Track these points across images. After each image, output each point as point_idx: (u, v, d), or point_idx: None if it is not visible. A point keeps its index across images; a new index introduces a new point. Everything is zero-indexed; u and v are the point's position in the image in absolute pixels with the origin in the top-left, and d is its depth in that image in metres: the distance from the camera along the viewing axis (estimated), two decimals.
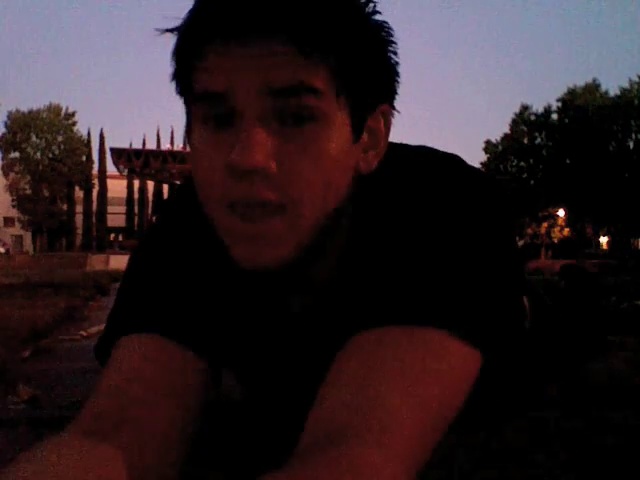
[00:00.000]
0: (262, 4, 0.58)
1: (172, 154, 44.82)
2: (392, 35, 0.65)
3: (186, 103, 0.65)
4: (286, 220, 0.61)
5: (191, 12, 0.62)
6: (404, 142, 0.74)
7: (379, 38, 0.64)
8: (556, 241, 46.45)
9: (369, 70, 0.63)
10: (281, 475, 0.49)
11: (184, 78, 0.64)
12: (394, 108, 0.68)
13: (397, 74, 0.66)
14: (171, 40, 0.64)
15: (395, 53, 0.65)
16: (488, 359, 0.61)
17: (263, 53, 0.58)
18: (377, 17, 0.64)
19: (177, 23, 0.63)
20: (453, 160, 0.71)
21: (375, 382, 0.55)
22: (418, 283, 0.61)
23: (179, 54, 0.64)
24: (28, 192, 50.89)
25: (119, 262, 25.71)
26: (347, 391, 0.56)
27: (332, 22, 0.59)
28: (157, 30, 0.63)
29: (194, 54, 0.61)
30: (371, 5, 0.63)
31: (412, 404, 0.55)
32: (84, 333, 5.64)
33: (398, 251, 0.64)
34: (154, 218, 0.83)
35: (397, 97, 0.68)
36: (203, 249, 0.74)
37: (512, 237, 0.70)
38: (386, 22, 0.64)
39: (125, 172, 50.43)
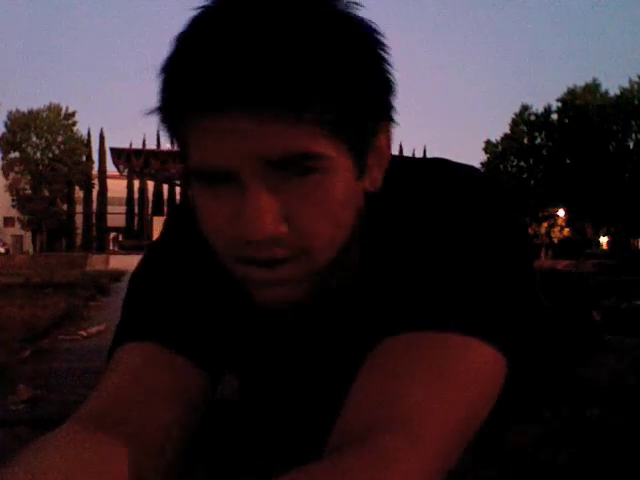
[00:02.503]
0: (244, 74, 0.54)
1: (172, 154, 44.82)
2: (386, 46, 0.60)
3: (181, 160, 0.63)
4: (301, 266, 0.61)
5: (165, 87, 0.58)
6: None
7: (374, 59, 0.59)
8: (556, 241, 46.47)
9: (366, 107, 0.59)
10: (309, 470, 0.50)
11: (175, 141, 0.62)
12: (394, 121, 0.65)
13: (394, 87, 0.62)
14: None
15: (391, 66, 0.61)
16: (513, 365, 0.62)
17: (254, 126, 0.54)
18: (370, 31, 0.59)
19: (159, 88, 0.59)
20: (469, 170, 0.71)
21: (404, 383, 0.56)
22: (442, 290, 0.61)
23: (165, 122, 0.61)
24: (28, 192, 50.91)
25: (119, 262, 25.73)
26: (376, 392, 0.56)
27: (320, 77, 0.55)
28: (145, 112, 0.60)
29: (181, 131, 0.59)
30: (361, 20, 0.59)
31: (441, 403, 0.55)
32: (84, 333, 5.64)
33: (419, 259, 0.63)
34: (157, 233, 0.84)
35: (396, 110, 0.64)
36: (205, 262, 0.74)
37: (529, 245, 0.71)
38: (379, 34, 0.60)
39: (125, 172, 50.50)
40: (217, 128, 0.56)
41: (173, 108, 0.58)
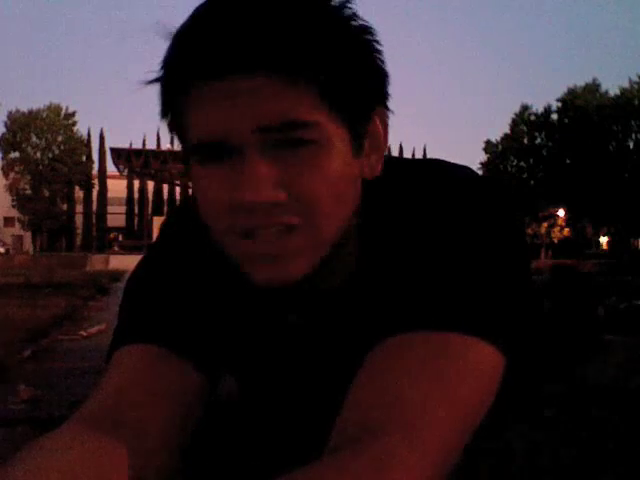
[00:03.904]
0: (238, 41, 0.57)
1: (172, 154, 44.81)
2: (375, 35, 0.63)
3: (180, 140, 0.65)
4: (303, 235, 0.61)
5: (168, 59, 0.61)
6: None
7: (363, 43, 0.62)
8: (556, 241, 46.47)
9: (358, 80, 0.61)
10: (309, 470, 0.51)
11: (175, 123, 0.64)
12: (388, 109, 0.67)
13: (386, 75, 0.64)
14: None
15: (380, 53, 0.63)
16: (510, 363, 0.62)
17: (249, 91, 0.57)
18: (357, 20, 0.61)
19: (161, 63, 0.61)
20: (465, 170, 0.72)
21: (403, 383, 0.56)
22: (439, 290, 0.61)
23: (165, 104, 0.63)
24: (28, 192, 50.92)
25: (119, 262, 25.72)
26: (375, 393, 0.56)
27: (312, 43, 0.58)
28: (142, 82, 0.63)
29: (179, 103, 0.61)
30: (348, 9, 0.61)
31: (440, 403, 0.55)
32: (84, 333, 5.65)
33: (416, 260, 0.64)
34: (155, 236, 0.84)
35: (390, 98, 0.67)
36: (204, 263, 0.75)
37: (525, 244, 0.71)
38: (366, 23, 0.62)
39: (125, 172, 50.49)
40: (217, 95, 0.58)
41: (175, 77, 0.60)
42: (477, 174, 0.72)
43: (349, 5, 0.61)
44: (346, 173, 0.62)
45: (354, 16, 0.61)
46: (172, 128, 0.66)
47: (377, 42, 0.63)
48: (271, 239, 0.61)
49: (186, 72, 0.59)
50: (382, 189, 0.68)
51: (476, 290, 0.61)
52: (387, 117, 0.67)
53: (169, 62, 0.61)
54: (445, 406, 0.56)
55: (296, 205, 0.60)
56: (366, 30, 0.62)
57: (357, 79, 0.61)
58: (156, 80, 0.62)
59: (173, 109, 0.63)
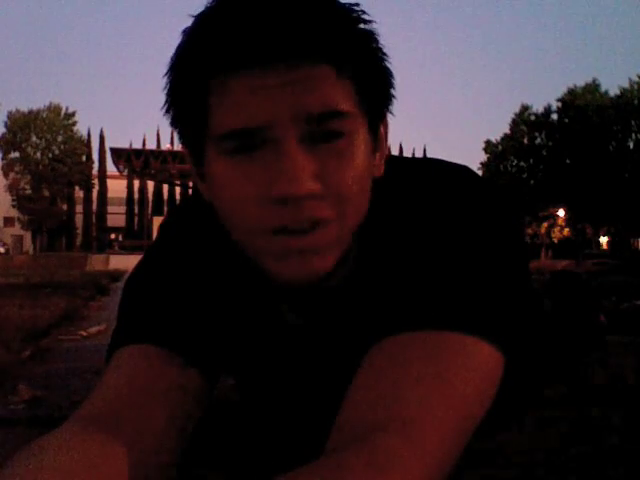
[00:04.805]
0: (282, 29, 0.56)
1: (172, 154, 44.77)
2: (381, 40, 0.64)
3: (193, 135, 0.63)
4: (335, 229, 0.61)
5: (199, 40, 0.59)
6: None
7: (376, 46, 0.63)
8: (556, 241, 46.44)
9: (378, 81, 0.63)
10: (308, 469, 0.51)
11: (194, 117, 0.61)
12: (391, 112, 0.68)
13: (394, 78, 0.66)
14: (167, 59, 0.61)
15: (388, 57, 0.64)
16: (510, 362, 0.62)
17: (298, 80, 0.57)
18: (369, 23, 0.62)
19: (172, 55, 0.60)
20: (463, 170, 0.72)
21: (402, 383, 0.56)
22: (438, 289, 0.61)
23: (184, 92, 0.61)
24: (28, 192, 50.85)
25: (119, 262, 25.70)
26: (374, 392, 0.56)
27: (355, 39, 0.59)
28: (164, 74, 0.62)
29: (209, 91, 0.59)
30: (360, 13, 0.62)
31: (439, 403, 0.55)
32: (84, 333, 5.65)
33: (415, 260, 0.64)
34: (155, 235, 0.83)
35: (394, 101, 0.68)
36: (203, 263, 0.75)
37: (524, 244, 0.71)
38: (374, 28, 0.63)
39: (125, 172, 50.43)
40: (257, 83, 0.56)
41: (207, 63, 0.58)
42: (475, 173, 0.72)
43: (362, 11, 0.62)
44: (368, 168, 0.63)
45: (368, 21, 0.62)
46: (181, 122, 0.64)
47: (384, 47, 0.64)
48: (304, 234, 0.60)
49: (226, 57, 0.57)
50: (381, 188, 0.69)
51: (475, 289, 0.61)
52: (387, 120, 0.69)
53: (203, 45, 0.58)
54: (445, 406, 0.55)
55: (330, 198, 0.60)
56: (375, 34, 0.63)
57: (377, 80, 0.63)
58: (178, 67, 0.60)
59: (197, 98, 0.60)
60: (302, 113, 0.57)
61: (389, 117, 0.69)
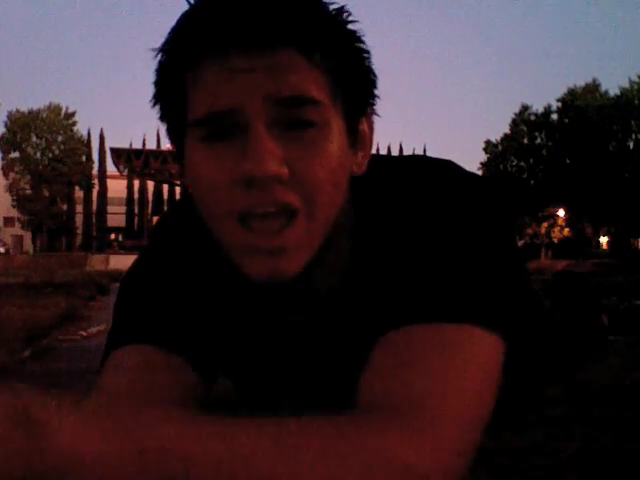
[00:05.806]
0: (259, 15, 0.57)
1: (172, 154, 44.69)
2: (365, 41, 0.65)
3: (175, 126, 0.64)
4: (302, 225, 0.61)
5: (177, 31, 0.61)
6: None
7: (360, 44, 0.64)
8: (556, 241, 46.44)
9: (358, 75, 0.64)
10: (332, 418, 0.52)
11: (174, 108, 0.63)
12: (375, 112, 0.69)
13: (376, 78, 0.66)
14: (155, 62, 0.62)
15: (370, 57, 0.65)
16: (512, 351, 0.63)
17: (269, 65, 0.58)
18: (354, 23, 0.64)
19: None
20: (448, 165, 0.72)
21: (412, 373, 0.56)
22: (436, 283, 0.62)
23: (165, 85, 0.63)
24: (28, 192, 50.89)
25: (119, 262, 25.76)
26: (383, 384, 0.57)
27: (329, 27, 0.61)
28: (152, 50, 0.62)
29: (188, 75, 0.60)
30: (346, 13, 0.63)
31: (452, 391, 0.56)
32: (84, 333, 5.65)
33: (410, 256, 0.64)
34: (150, 237, 0.83)
35: (378, 100, 0.68)
36: (199, 262, 0.75)
37: (514, 235, 0.72)
38: (356, 28, 0.64)
39: (125, 172, 50.44)
40: (233, 69, 0.58)
41: (188, 49, 0.59)
42: (460, 166, 0.73)
43: (348, 11, 0.63)
44: (343, 162, 0.63)
45: (352, 21, 0.64)
46: (167, 112, 0.65)
47: (368, 46, 0.65)
48: (270, 231, 0.60)
49: (201, 44, 0.58)
50: (369, 187, 0.69)
51: (471, 280, 0.62)
52: (373, 120, 0.69)
53: (180, 35, 0.60)
54: (456, 393, 0.56)
55: (297, 186, 0.60)
56: (359, 34, 0.64)
57: (358, 73, 0.64)
58: (163, 52, 0.62)
59: (176, 87, 0.61)
60: (271, 97, 0.58)
61: (376, 118, 0.69)
